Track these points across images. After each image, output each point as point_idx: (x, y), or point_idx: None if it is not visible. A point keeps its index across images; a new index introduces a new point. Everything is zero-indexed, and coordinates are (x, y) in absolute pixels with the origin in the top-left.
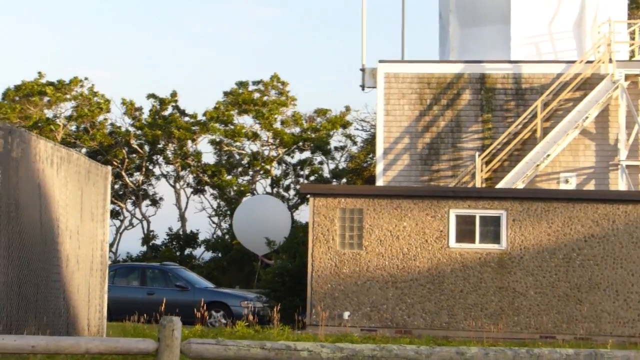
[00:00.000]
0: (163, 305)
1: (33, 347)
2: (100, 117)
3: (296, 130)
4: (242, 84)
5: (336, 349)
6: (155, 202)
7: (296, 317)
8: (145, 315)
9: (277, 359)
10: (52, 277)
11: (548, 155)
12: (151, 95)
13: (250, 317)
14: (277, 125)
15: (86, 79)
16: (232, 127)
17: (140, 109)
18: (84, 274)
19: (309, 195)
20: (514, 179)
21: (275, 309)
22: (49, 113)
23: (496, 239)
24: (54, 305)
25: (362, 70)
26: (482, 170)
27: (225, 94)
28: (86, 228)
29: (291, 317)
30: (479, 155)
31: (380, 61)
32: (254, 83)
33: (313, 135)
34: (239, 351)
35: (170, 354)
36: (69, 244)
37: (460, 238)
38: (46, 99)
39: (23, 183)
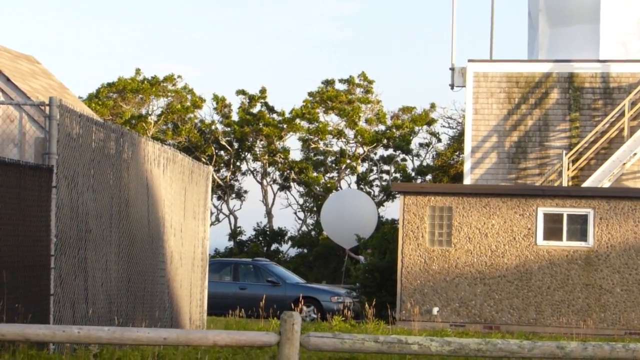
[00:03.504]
0: (260, 300)
1: (165, 339)
2: (191, 115)
3: (381, 128)
4: (328, 82)
5: (444, 342)
6: (239, 196)
7: (389, 312)
8: (238, 310)
9: (389, 352)
10: (158, 272)
11: (635, 154)
12: (240, 92)
13: (346, 313)
14: (362, 123)
15: (179, 76)
16: (317, 124)
17: (229, 105)
18: (186, 270)
19: (399, 194)
20: (601, 178)
21: (369, 304)
22: (142, 110)
23: (583, 236)
24: (160, 300)
25: (452, 69)
26: (568, 169)
27: (310, 94)
28: (189, 226)
29: (381, 313)
30: (566, 154)
31: (470, 60)
32: (341, 82)
33: (397, 133)
34: (354, 344)
35: (290, 347)
36: (173, 241)
37: (547, 236)
38: (139, 96)
39: (133, 183)
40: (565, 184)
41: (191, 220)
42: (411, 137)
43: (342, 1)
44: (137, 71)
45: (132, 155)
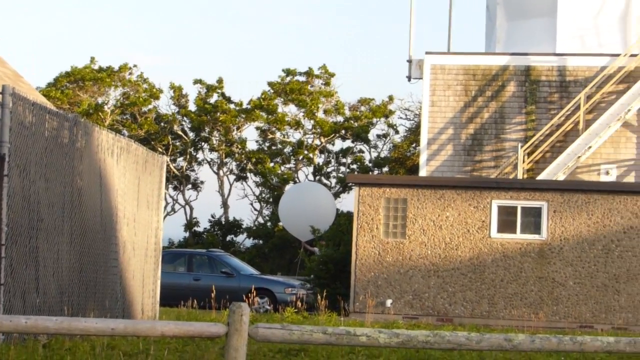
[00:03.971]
0: (212, 291)
1: (113, 330)
2: (149, 106)
3: (339, 119)
4: (289, 72)
5: (392, 334)
6: (195, 186)
7: (340, 304)
8: (192, 300)
9: (337, 343)
10: (110, 262)
11: (589, 147)
12: (198, 81)
13: (299, 305)
14: (320, 114)
15: (135, 65)
16: (275, 115)
17: (186, 95)
18: (139, 260)
19: (354, 185)
20: (555, 171)
21: (321, 296)
22: (99, 100)
23: (537, 229)
24: (112, 290)
25: (409, 61)
26: (524, 162)
27: (270, 83)
28: (142, 216)
29: (334, 305)
30: (522, 147)
31: (427, 53)
32: (301, 74)
33: (355, 124)
34: (302, 335)
35: (239, 338)
36: (126, 231)
37: (501, 228)
38: (96, 85)
39: (86, 172)
40: (520, 176)
41: (145, 210)
42: (369, 129)
43: None
44: (92, 60)
45: (86, 144)
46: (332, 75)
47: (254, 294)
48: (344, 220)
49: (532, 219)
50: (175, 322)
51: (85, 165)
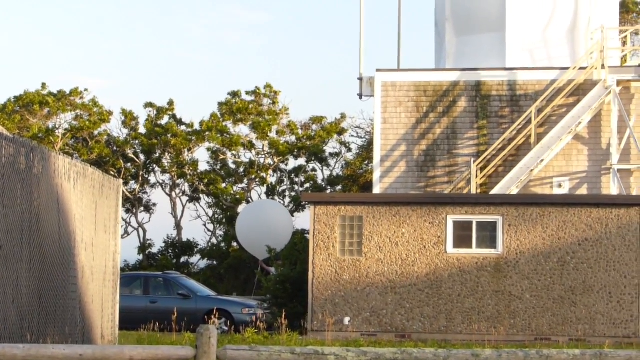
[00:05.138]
0: (171, 313)
1: (81, 356)
2: (100, 129)
3: (291, 138)
4: (235, 94)
5: (360, 352)
6: (148, 209)
7: (300, 323)
8: (149, 323)
9: None
10: (69, 288)
11: (542, 161)
12: (149, 104)
13: (259, 324)
14: (273, 134)
15: (86, 89)
16: (228, 136)
17: (137, 118)
18: (97, 284)
19: (309, 204)
20: (509, 185)
21: (282, 316)
22: (49, 124)
23: (492, 243)
24: (71, 315)
25: (360, 79)
26: (477, 176)
27: (220, 104)
28: (100, 240)
29: (293, 324)
30: (474, 162)
31: (378, 70)
32: (247, 93)
33: (308, 143)
34: (270, 356)
35: None
36: (85, 256)
37: (457, 243)
38: (46, 109)
39: (43, 198)
40: (473, 191)
41: (102, 234)
42: (323, 148)
43: (251, 11)
44: (43, 85)
45: (43, 170)
46: (278, 93)
47: (216, 314)
48: (299, 239)
49: (488, 234)
50: (143, 347)
51: (42, 191)
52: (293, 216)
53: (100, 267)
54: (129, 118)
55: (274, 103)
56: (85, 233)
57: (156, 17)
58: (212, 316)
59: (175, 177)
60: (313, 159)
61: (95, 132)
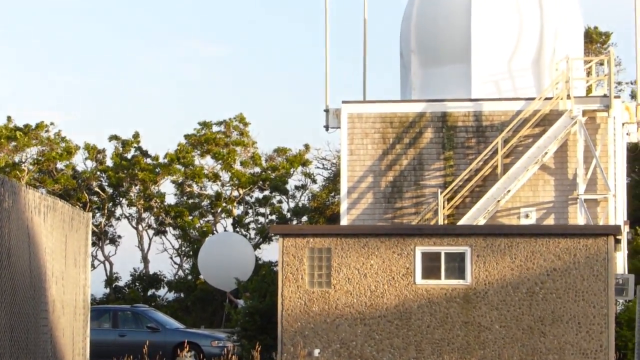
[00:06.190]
0: (140, 346)
1: None
2: (66, 162)
3: (256, 170)
4: (205, 125)
5: None
6: (114, 241)
7: (271, 355)
8: (120, 357)
9: None
10: (40, 322)
11: (508, 191)
12: (113, 137)
13: (231, 357)
14: (237, 165)
15: (52, 123)
16: (193, 168)
17: (103, 151)
18: (68, 318)
19: (277, 236)
20: (476, 215)
21: (252, 348)
22: (15, 158)
23: (461, 274)
24: (43, 349)
25: (326, 110)
26: (444, 207)
27: (187, 136)
28: (70, 273)
29: (262, 356)
30: (441, 193)
31: (344, 102)
32: (217, 124)
33: (273, 175)
34: None
35: None
36: (55, 290)
37: (426, 274)
38: (12, 143)
39: (14, 232)
40: (441, 222)
41: (72, 267)
42: (287, 179)
43: (212, 44)
44: (9, 119)
45: (13, 203)
46: (248, 124)
47: (186, 347)
48: (267, 271)
49: (456, 264)
50: None
51: (13, 224)
52: (259, 248)
53: (70, 300)
54: (92, 152)
55: (242, 134)
56: (56, 266)
57: (117, 52)
58: (182, 349)
59: (142, 209)
60: (276, 191)
61: (61, 166)
